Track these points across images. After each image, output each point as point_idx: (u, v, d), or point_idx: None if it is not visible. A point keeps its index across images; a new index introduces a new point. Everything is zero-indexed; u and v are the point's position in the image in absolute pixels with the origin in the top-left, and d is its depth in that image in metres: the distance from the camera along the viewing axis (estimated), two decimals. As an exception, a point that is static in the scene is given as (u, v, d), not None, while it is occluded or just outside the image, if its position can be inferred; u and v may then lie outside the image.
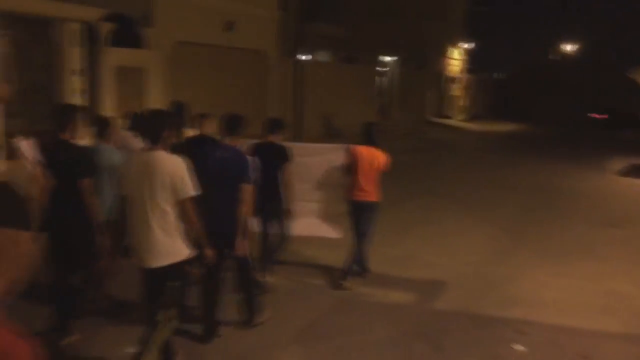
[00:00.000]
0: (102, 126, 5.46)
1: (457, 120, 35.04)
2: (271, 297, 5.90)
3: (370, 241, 6.61)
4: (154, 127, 4.06)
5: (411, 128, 25.78)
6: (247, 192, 4.84)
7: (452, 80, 37.01)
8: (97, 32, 12.33)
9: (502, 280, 6.97)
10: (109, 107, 12.63)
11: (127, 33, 13.15)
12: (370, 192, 6.34)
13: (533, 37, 55.63)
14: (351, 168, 6.38)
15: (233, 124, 5.05)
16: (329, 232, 7.00)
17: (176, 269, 4.15)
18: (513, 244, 8.68)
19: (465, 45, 38.09)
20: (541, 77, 45.83)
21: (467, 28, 38.28)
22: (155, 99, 13.87)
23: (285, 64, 19.07)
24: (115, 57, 12.80)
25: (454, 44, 36.21)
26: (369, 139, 6.45)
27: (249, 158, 5.04)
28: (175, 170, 3.98)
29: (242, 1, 16.26)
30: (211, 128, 6.00)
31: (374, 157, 6.34)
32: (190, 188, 4.03)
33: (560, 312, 6.07)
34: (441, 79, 34.90)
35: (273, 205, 5.97)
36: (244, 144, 5.39)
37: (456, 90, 37.83)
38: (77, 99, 11.87)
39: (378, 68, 27.07)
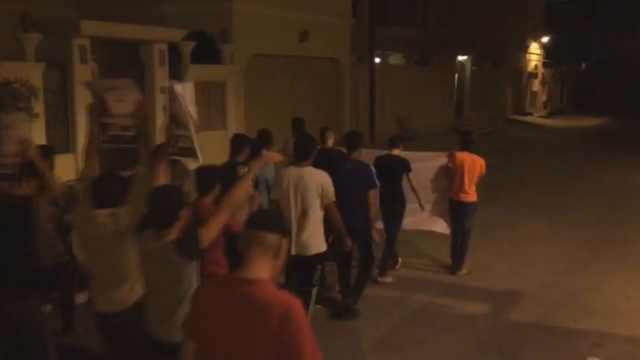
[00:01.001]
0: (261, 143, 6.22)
1: (537, 117, 34.07)
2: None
3: (470, 237, 7.50)
4: (306, 148, 5.21)
5: (488, 127, 25.35)
6: (373, 196, 6.00)
7: (534, 75, 36.01)
8: (180, 51, 13.04)
9: (580, 290, 6.94)
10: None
11: (208, 50, 13.83)
12: (470, 193, 7.28)
13: (622, 26, 52.91)
14: (453, 172, 7.28)
15: (355, 141, 6.16)
16: (437, 226, 7.71)
17: (317, 259, 5.17)
18: (592, 251, 8.56)
19: (545, 39, 36.94)
20: (628, 68, 43.57)
21: (547, 21, 37.14)
22: (236, 111, 14.51)
23: (359, 69, 19.33)
24: (196, 73, 13.47)
25: (534, 38, 35.24)
26: (467, 146, 7.38)
27: (372, 168, 6.18)
28: (322, 181, 5.10)
29: (316, 11, 16.64)
30: (332, 140, 7.07)
31: (474, 162, 7.26)
32: (332, 194, 5.12)
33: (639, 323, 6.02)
34: (522, 75, 34.08)
35: (395, 207, 7.03)
36: (363, 154, 6.43)
37: (536, 85, 36.76)
38: (161, 115, 12.62)
39: (452, 68, 26.82)
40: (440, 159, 7.53)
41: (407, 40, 25.25)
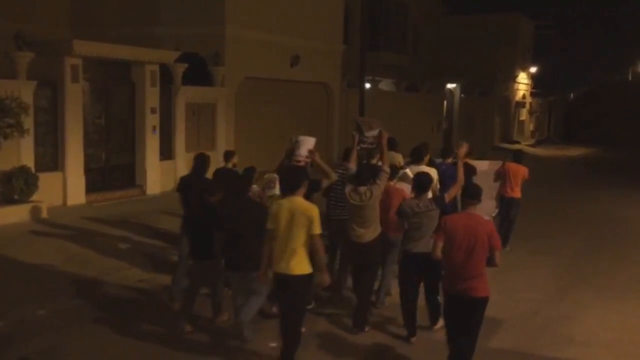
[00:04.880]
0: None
1: (524, 145, 34.42)
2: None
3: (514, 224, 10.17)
4: (420, 153, 8.07)
5: (476, 154, 25.60)
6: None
7: (522, 104, 36.50)
8: (172, 72, 13.17)
9: (560, 319, 7.02)
10: (180, 141, 13.42)
11: (199, 72, 13.98)
12: (516, 192, 10.05)
13: (607, 57, 53.90)
14: (504, 176, 10.03)
15: (448, 151, 9.00)
16: (489, 214, 9.34)
17: None
18: (574, 279, 8.66)
19: (534, 69, 37.53)
20: (615, 99, 44.14)
21: (536, 51, 37.81)
22: (225, 132, 14.61)
23: (349, 94, 19.54)
24: (187, 94, 13.60)
25: (523, 68, 35.82)
26: (517, 159, 10.29)
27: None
28: (432, 175, 7.08)
29: (308, 36, 16.89)
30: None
31: (518, 169, 10.11)
32: (437, 183, 7.53)
33: (617, 353, 6.10)
34: (510, 104, 34.53)
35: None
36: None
37: (524, 114, 37.24)
38: (151, 135, 12.71)
39: (441, 95, 27.14)
40: (494, 167, 10.08)
41: (397, 67, 25.60)
